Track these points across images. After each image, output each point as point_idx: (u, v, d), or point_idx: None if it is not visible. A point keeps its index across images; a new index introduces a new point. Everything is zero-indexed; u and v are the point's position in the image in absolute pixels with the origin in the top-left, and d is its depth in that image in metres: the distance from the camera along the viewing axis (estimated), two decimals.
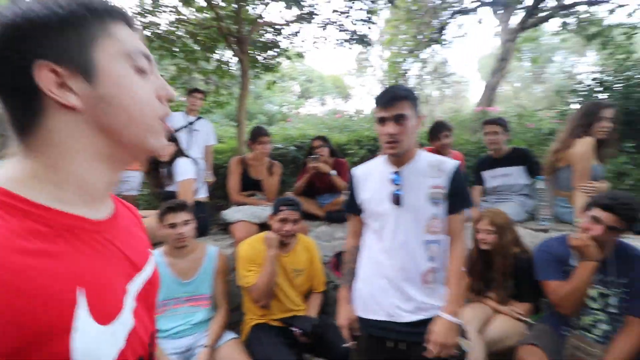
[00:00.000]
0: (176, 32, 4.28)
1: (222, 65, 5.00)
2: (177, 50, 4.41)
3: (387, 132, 1.19)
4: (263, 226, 2.25)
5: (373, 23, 4.58)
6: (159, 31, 4.15)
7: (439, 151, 2.78)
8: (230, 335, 1.77)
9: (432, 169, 1.25)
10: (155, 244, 2.02)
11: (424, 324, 1.20)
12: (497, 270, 1.85)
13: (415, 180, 1.24)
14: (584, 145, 2.07)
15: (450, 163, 1.27)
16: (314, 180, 2.75)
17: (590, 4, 6.39)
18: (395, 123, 1.19)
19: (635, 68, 2.98)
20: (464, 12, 7.34)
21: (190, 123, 3.32)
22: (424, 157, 1.29)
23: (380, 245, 1.28)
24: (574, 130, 2.13)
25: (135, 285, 0.49)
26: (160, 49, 4.21)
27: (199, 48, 4.52)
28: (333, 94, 19.56)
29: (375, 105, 1.24)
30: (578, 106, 2.47)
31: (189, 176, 2.19)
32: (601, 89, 3.07)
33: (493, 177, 2.64)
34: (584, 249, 1.45)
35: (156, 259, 1.84)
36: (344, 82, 19.75)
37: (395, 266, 1.24)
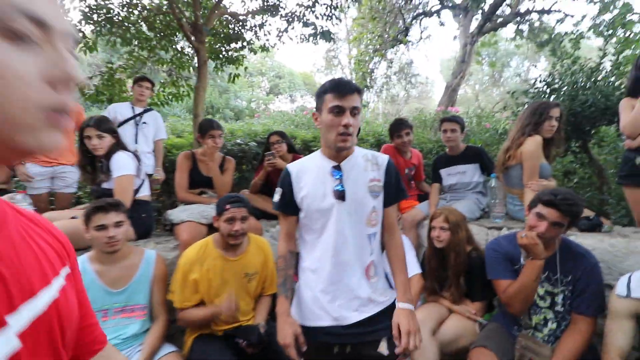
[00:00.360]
0: (130, 18, 3.93)
1: (182, 55, 4.69)
2: (130, 37, 4.06)
3: (345, 122, 1.12)
4: (212, 227, 2.08)
5: (338, 19, 4.51)
6: (110, 15, 3.79)
7: (399, 149, 2.77)
8: (169, 349, 1.60)
9: (369, 163, 1.24)
10: (85, 249, 1.79)
11: (368, 322, 1.18)
12: (451, 269, 1.84)
13: (356, 175, 1.21)
14: (533, 144, 2.11)
15: (383, 157, 1.27)
16: (272, 177, 2.62)
17: (541, 12, 6.79)
18: (350, 114, 1.12)
19: (581, 72, 3.14)
20: (427, 14, 7.50)
21: (138, 115, 3.04)
22: (359, 152, 1.27)
23: (323, 244, 1.20)
24: (523, 128, 2.18)
25: (21, 318, 0.36)
26: (110, 34, 3.85)
27: (153, 35, 4.20)
28: (302, 90, 19.43)
29: (328, 93, 1.13)
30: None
31: (127, 172, 1.97)
32: (548, 91, 3.21)
33: (450, 175, 2.66)
34: (530, 247, 1.44)
35: (80, 266, 1.60)
36: (314, 79, 19.68)
37: (340, 264, 1.18)
